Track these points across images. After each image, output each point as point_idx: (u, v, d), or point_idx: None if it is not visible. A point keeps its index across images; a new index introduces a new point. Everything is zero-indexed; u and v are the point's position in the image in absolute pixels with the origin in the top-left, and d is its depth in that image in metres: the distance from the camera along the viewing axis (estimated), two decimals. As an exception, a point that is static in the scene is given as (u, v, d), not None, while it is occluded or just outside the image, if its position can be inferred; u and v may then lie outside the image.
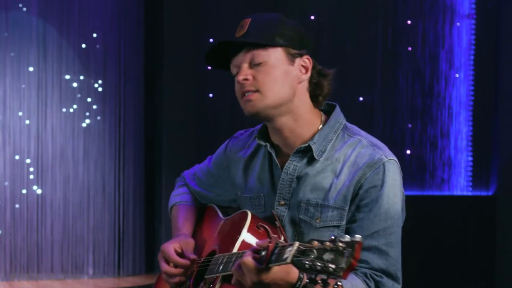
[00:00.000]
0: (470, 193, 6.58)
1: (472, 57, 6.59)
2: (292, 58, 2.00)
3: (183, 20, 6.68)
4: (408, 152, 6.56)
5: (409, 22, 6.55)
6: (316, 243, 1.56)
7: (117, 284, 6.59)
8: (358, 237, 1.54)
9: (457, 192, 6.59)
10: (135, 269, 6.91)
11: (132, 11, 6.87)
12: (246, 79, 1.99)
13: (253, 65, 1.99)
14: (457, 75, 6.58)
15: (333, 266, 1.52)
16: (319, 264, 1.54)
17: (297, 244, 1.60)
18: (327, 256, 1.53)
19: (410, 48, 6.56)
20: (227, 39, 2.01)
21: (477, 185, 6.58)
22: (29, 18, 6.67)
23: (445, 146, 6.58)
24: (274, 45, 1.98)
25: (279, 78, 1.98)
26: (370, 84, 6.59)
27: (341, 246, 1.53)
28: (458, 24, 6.57)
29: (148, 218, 7.03)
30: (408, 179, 6.54)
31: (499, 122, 6.45)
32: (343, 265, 1.52)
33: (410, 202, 6.59)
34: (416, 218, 6.27)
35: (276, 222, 1.99)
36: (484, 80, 6.58)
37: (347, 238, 1.54)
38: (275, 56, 1.99)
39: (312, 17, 6.55)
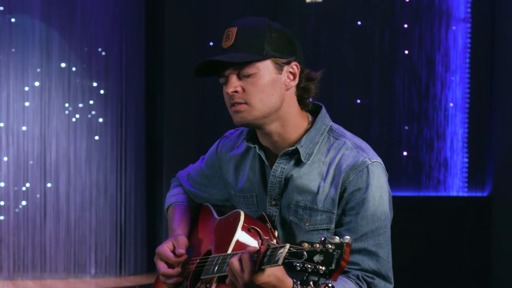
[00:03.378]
0: (465, 194, 6.54)
1: (467, 60, 6.55)
2: (280, 67, 1.99)
3: (184, 23, 6.68)
4: (405, 153, 6.55)
5: (405, 26, 6.53)
6: (306, 245, 1.59)
7: (119, 283, 6.61)
8: (347, 238, 1.56)
9: (453, 192, 6.57)
10: (136, 269, 6.93)
11: (133, 15, 6.89)
12: (236, 91, 1.98)
13: (241, 76, 1.98)
14: (452, 78, 6.56)
15: (323, 267, 1.55)
16: (309, 265, 1.56)
17: (288, 246, 1.62)
18: (317, 257, 1.56)
19: (406, 52, 6.54)
20: (216, 58, 1.99)
21: (472, 186, 6.55)
22: (33, 21, 6.70)
23: (441, 147, 6.55)
24: (263, 58, 1.97)
25: (267, 89, 1.97)
26: (368, 87, 6.58)
27: (331, 248, 1.56)
28: (454, 28, 6.54)
29: (150, 218, 7.06)
30: (404, 180, 6.53)
31: (494, 124, 6.41)
32: (333, 266, 1.55)
33: (406, 203, 6.56)
34: (412, 218, 6.30)
35: (267, 224, 1.99)
36: (479, 82, 6.54)
37: (337, 239, 1.57)
38: (264, 67, 1.97)
39: (311, 21, 6.57)
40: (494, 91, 6.46)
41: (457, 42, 6.56)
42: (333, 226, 1.99)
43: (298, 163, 2.03)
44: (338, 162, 2.00)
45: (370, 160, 1.98)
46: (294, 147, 2.02)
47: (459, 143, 6.60)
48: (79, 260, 6.84)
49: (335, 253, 1.55)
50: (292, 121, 2.03)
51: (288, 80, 2.01)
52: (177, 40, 6.70)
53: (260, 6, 6.56)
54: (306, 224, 2.00)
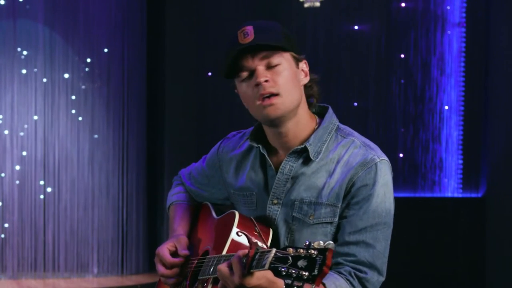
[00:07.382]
0: (460, 195, 6.59)
1: (462, 64, 6.59)
2: (297, 62, 2.02)
3: (185, 27, 6.71)
4: (401, 155, 6.60)
5: (401, 30, 6.58)
6: (291, 250, 1.58)
7: (121, 282, 6.66)
8: (330, 243, 1.56)
9: (448, 194, 6.61)
10: (138, 268, 6.99)
11: (135, 19, 6.95)
12: (267, 80, 1.96)
13: (269, 67, 1.97)
14: (448, 81, 6.60)
15: (306, 273, 1.55)
16: (293, 271, 1.56)
17: (273, 251, 1.62)
18: (301, 263, 1.56)
19: (403, 55, 6.59)
20: (249, 44, 1.95)
21: (467, 187, 6.59)
22: (36, 25, 6.77)
23: (436, 149, 6.60)
24: (285, 49, 1.98)
25: (293, 81, 1.99)
26: (365, 90, 6.64)
27: (314, 253, 1.55)
28: (449, 32, 6.58)
29: (151, 218, 7.11)
30: (400, 182, 6.57)
31: (488, 126, 6.43)
32: (315, 272, 1.54)
33: (402, 204, 6.63)
34: (408, 218, 6.34)
35: (256, 228, 1.99)
36: (474, 86, 6.57)
37: (321, 244, 1.56)
38: (287, 59, 1.99)
39: (309, 25, 6.62)
40: (488, 94, 6.48)
41: (452, 46, 6.60)
42: (336, 219, 2.01)
43: (307, 161, 2.04)
44: (347, 160, 2.02)
45: (379, 158, 2.02)
46: (303, 146, 2.03)
47: (454, 145, 6.64)
48: (82, 259, 6.90)
49: (317, 258, 1.55)
50: (304, 119, 2.06)
51: (302, 77, 2.04)
52: (178, 43, 6.75)
53: (258, 10, 6.62)
54: (310, 218, 2.02)
